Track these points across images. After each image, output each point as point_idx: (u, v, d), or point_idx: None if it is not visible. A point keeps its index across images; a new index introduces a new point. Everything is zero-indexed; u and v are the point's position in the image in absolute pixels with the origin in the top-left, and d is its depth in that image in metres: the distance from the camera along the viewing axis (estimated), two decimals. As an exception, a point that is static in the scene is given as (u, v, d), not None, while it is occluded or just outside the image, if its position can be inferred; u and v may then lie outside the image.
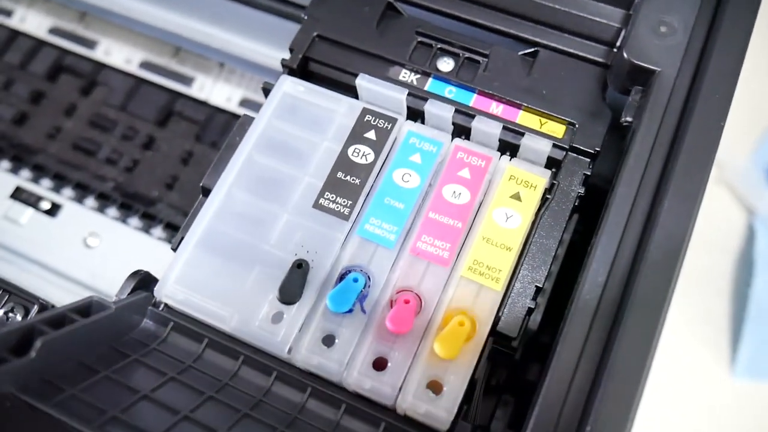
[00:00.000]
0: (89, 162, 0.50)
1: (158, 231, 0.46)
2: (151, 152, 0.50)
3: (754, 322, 0.77)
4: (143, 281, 0.32)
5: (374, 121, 0.33)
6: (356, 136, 0.33)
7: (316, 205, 0.32)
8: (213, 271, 0.31)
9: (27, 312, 0.29)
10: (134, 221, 0.46)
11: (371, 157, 0.33)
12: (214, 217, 0.32)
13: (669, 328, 0.27)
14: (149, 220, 0.46)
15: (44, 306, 0.29)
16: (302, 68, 0.37)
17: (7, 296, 0.29)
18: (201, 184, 0.34)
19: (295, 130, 0.34)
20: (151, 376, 0.28)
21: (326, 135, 0.33)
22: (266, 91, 0.36)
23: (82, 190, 0.47)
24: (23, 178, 0.48)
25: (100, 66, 0.53)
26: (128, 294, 0.31)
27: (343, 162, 0.33)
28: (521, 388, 0.36)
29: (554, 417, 0.26)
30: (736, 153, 0.85)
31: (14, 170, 0.48)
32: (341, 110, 0.34)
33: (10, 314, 0.29)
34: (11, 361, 0.24)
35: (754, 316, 0.77)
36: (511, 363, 0.36)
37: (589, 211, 0.35)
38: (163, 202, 0.48)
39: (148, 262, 0.33)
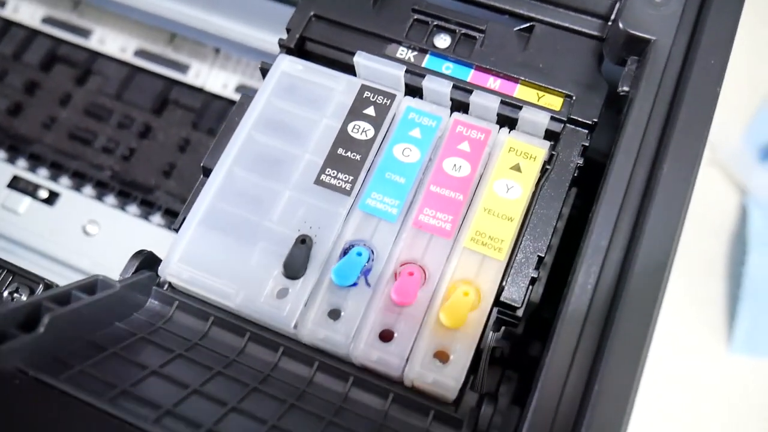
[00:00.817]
0: (86, 151, 0.49)
1: (157, 218, 0.46)
2: (148, 140, 0.50)
3: (749, 299, 0.78)
4: (147, 261, 0.32)
5: (373, 98, 0.33)
6: (356, 112, 0.33)
7: (318, 182, 0.32)
8: (216, 249, 0.31)
9: (32, 292, 0.29)
10: (133, 208, 0.46)
11: (371, 133, 0.33)
12: (216, 196, 0.32)
13: (665, 307, 0.27)
14: (148, 207, 0.46)
15: (49, 286, 0.29)
16: (299, 48, 0.37)
17: (11, 277, 0.29)
18: (201, 165, 0.34)
19: (294, 108, 0.34)
20: (159, 354, 0.28)
21: (325, 112, 0.34)
22: (264, 70, 0.36)
23: (79, 179, 0.47)
24: (20, 168, 0.48)
25: (95, 55, 0.53)
26: (132, 274, 0.31)
27: (343, 138, 0.33)
28: (524, 364, 0.37)
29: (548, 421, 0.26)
30: (728, 134, 0.85)
31: (10, 160, 0.48)
32: (339, 88, 0.34)
33: (15, 294, 0.29)
34: (19, 337, 0.24)
35: (749, 294, 0.78)
36: (514, 337, 0.36)
37: (585, 186, 0.35)
38: (161, 190, 0.48)
39: (149, 247, 0.33)
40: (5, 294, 0.29)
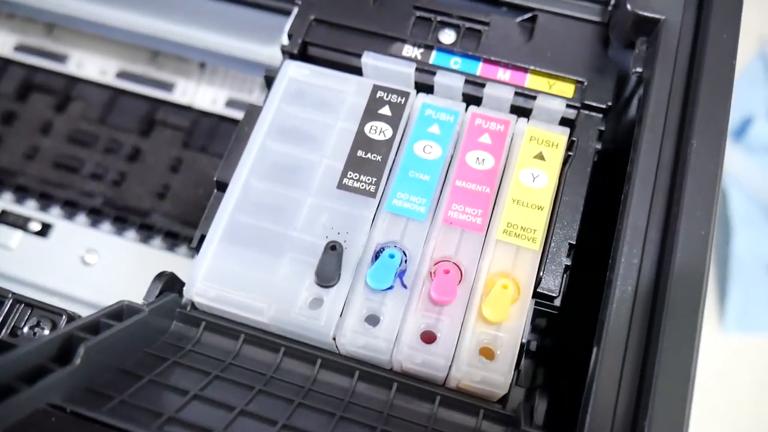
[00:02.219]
0: (74, 179, 0.48)
1: (158, 241, 0.44)
2: (138, 163, 0.48)
3: (738, 277, 0.80)
4: (169, 283, 0.31)
5: (387, 97, 0.33)
6: (371, 113, 0.32)
7: (341, 186, 0.31)
8: (242, 263, 0.30)
9: (54, 325, 0.27)
10: (131, 234, 0.45)
11: (389, 133, 0.32)
12: (235, 210, 0.31)
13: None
14: (147, 230, 0.45)
15: (72, 317, 0.28)
16: (302, 53, 0.36)
17: (30, 311, 0.27)
18: (215, 179, 0.33)
19: (305, 113, 0.33)
20: (195, 377, 0.27)
21: (339, 115, 0.33)
22: (269, 79, 0.35)
23: (71, 208, 0.45)
24: (6, 201, 0.46)
25: (74, 80, 0.51)
26: (156, 297, 0.30)
27: (361, 140, 0.32)
28: (551, 354, 0.36)
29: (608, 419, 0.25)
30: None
31: (-5, 194, 0.46)
32: (350, 89, 0.33)
33: (37, 329, 0.27)
34: (56, 371, 0.22)
35: (738, 272, 0.80)
36: (540, 329, 0.36)
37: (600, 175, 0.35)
38: (157, 213, 0.46)
39: (153, 271, 0.31)
40: (26, 329, 0.27)
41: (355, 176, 0.31)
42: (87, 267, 0.43)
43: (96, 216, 0.45)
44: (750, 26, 0.92)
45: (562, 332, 0.37)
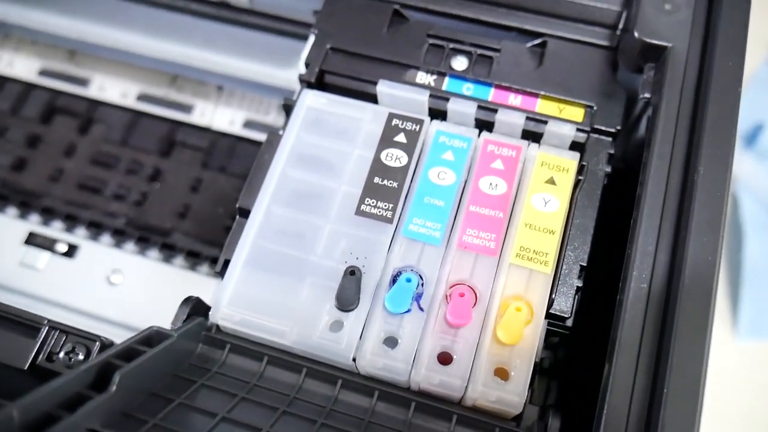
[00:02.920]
0: (97, 200, 0.49)
1: (179, 260, 0.46)
2: (159, 184, 0.50)
3: (751, 284, 0.80)
4: (195, 307, 0.32)
5: (402, 125, 0.34)
6: (387, 140, 0.34)
7: (358, 212, 0.32)
8: (265, 288, 0.31)
9: (89, 351, 0.29)
10: (154, 253, 0.46)
11: (405, 160, 0.33)
12: (258, 236, 0.32)
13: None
14: (169, 250, 0.46)
15: (105, 343, 0.29)
16: (319, 81, 0.37)
17: (65, 337, 0.29)
18: (237, 205, 0.34)
19: (324, 141, 0.34)
20: (221, 399, 0.28)
21: (356, 143, 0.34)
22: (287, 107, 0.36)
23: (95, 228, 0.47)
24: (33, 223, 0.47)
25: (96, 103, 0.52)
26: (183, 321, 0.31)
27: (378, 167, 0.33)
28: (562, 372, 0.37)
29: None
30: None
31: (23, 216, 0.48)
32: (367, 117, 0.35)
33: (72, 354, 0.28)
34: (94, 398, 0.24)
35: (750, 279, 0.80)
36: (552, 346, 0.37)
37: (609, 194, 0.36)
38: (178, 232, 0.48)
39: (176, 291, 0.33)
40: (61, 355, 0.28)
41: (373, 202, 0.32)
42: (112, 287, 0.44)
43: (120, 236, 0.46)
44: (759, 33, 0.92)
45: (574, 348, 0.38)
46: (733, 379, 0.79)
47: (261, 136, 0.49)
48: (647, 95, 0.33)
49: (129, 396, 0.26)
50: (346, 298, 0.30)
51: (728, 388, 0.79)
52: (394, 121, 0.34)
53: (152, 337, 0.28)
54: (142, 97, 0.52)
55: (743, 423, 0.76)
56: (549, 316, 0.31)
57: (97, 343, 0.28)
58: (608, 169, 0.34)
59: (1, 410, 0.20)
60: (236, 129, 0.51)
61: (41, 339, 0.29)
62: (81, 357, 0.28)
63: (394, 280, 0.31)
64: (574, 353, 0.38)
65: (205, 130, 0.51)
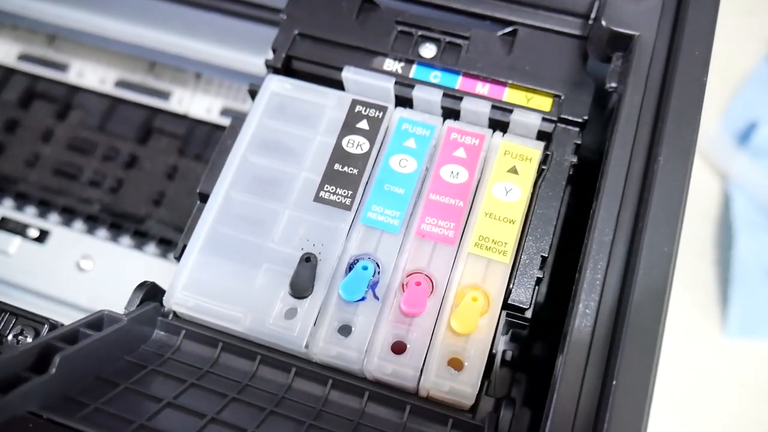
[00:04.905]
0: (72, 186, 0.49)
1: (151, 248, 0.46)
2: (135, 170, 0.50)
3: (740, 282, 0.79)
4: (150, 292, 0.32)
5: (365, 111, 0.34)
6: (349, 127, 0.33)
7: (317, 199, 0.32)
8: (220, 274, 0.31)
9: (37, 333, 0.28)
10: (126, 240, 0.46)
11: (366, 147, 0.33)
12: (216, 221, 0.32)
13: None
14: (141, 237, 0.46)
15: (54, 325, 0.29)
16: (286, 67, 0.37)
17: (14, 319, 0.28)
18: (198, 190, 0.33)
19: (286, 127, 0.34)
20: (171, 384, 0.28)
21: (318, 129, 0.34)
22: (252, 92, 0.36)
23: (69, 215, 0.47)
24: (7, 208, 0.47)
25: (74, 89, 0.52)
26: (137, 306, 0.31)
27: (338, 154, 0.33)
28: (530, 364, 0.37)
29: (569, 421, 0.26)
30: (706, 120, 0.87)
31: (-3, 201, 0.48)
32: (330, 104, 0.34)
33: (20, 336, 0.28)
34: (32, 380, 0.23)
35: (740, 277, 0.79)
36: (520, 339, 0.36)
37: (576, 183, 0.35)
38: (152, 219, 0.47)
39: (145, 277, 0.32)
40: (10, 337, 0.28)
41: (332, 189, 0.32)
42: (82, 273, 0.44)
43: (92, 222, 0.46)
44: (756, 30, 0.91)
45: (543, 342, 0.38)
46: (722, 377, 0.78)
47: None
48: (614, 84, 0.32)
49: (72, 379, 0.26)
50: (301, 285, 0.30)
51: (717, 387, 0.78)
52: (357, 108, 0.34)
53: (102, 321, 0.28)
54: (120, 84, 0.52)
55: (732, 421, 0.76)
56: (508, 306, 0.30)
57: (46, 325, 0.28)
58: (574, 160, 0.33)
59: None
60: (213, 117, 0.50)
61: (-10, 321, 0.28)
62: (29, 340, 0.28)
63: (350, 268, 0.30)
64: (543, 347, 0.38)
65: (182, 118, 0.51)
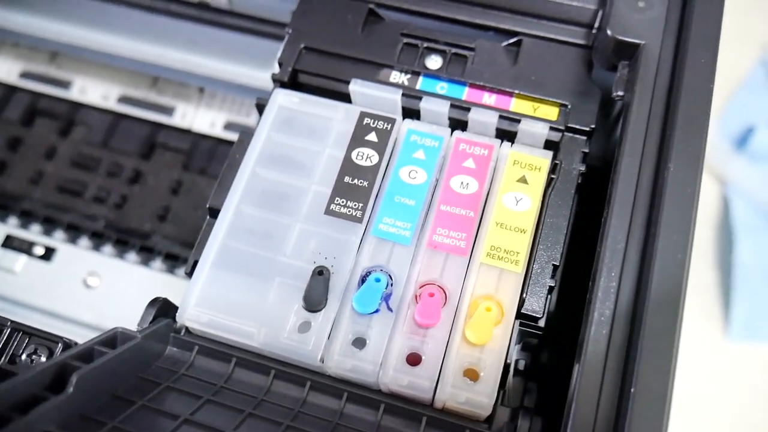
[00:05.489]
0: (77, 203, 0.49)
1: (158, 263, 0.46)
2: (139, 186, 0.50)
3: (741, 286, 0.79)
4: (162, 308, 0.31)
5: (373, 124, 0.34)
6: (358, 139, 0.33)
7: (328, 212, 0.32)
8: (233, 289, 0.31)
9: (51, 352, 0.28)
10: (132, 256, 0.46)
11: (375, 159, 0.33)
12: (227, 236, 0.32)
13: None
14: (147, 253, 0.46)
15: (68, 344, 0.28)
16: (293, 81, 0.37)
17: (27, 339, 0.28)
18: (207, 205, 0.33)
19: (294, 141, 0.34)
20: (186, 401, 0.28)
21: (327, 142, 0.34)
22: (260, 107, 0.36)
23: (74, 231, 0.47)
24: (12, 226, 0.47)
25: (77, 105, 0.52)
26: (150, 323, 0.31)
27: (348, 166, 0.33)
28: (542, 374, 0.37)
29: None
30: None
31: (1, 218, 0.47)
32: (338, 117, 0.34)
33: (34, 356, 0.28)
34: (50, 399, 0.23)
35: (741, 281, 0.80)
36: (531, 348, 0.36)
37: (581, 193, 0.36)
38: (157, 235, 0.47)
39: (153, 294, 0.32)
40: (23, 357, 0.28)
41: (342, 202, 0.32)
42: (89, 290, 0.44)
43: (98, 239, 0.46)
44: (752, 35, 0.92)
45: (553, 351, 0.38)
46: (725, 380, 0.78)
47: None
48: (621, 93, 0.33)
49: (88, 398, 0.25)
50: (314, 299, 0.30)
51: (720, 390, 0.78)
52: (366, 120, 0.34)
53: (116, 339, 0.28)
54: (123, 99, 0.52)
55: (734, 424, 0.76)
56: (521, 316, 0.30)
57: (60, 344, 0.28)
58: (582, 168, 0.33)
59: (-54, 411, 0.20)
60: (217, 131, 0.51)
61: (3, 340, 0.28)
62: (43, 359, 0.28)
63: (363, 280, 0.30)
64: (554, 355, 0.38)
65: (186, 132, 0.51)
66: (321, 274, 0.30)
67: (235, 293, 0.31)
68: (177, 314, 0.31)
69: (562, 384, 0.32)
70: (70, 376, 0.24)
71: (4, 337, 0.28)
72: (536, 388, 0.37)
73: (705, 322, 0.81)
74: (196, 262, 0.32)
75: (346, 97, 0.36)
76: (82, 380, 0.24)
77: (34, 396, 0.23)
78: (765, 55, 0.89)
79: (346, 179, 0.32)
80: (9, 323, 0.29)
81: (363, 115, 0.34)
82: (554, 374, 0.36)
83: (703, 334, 0.81)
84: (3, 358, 0.28)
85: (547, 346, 0.38)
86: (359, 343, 0.29)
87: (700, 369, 0.79)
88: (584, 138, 0.34)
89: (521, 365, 0.35)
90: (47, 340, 0.28)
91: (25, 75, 0.53)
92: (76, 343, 0.29)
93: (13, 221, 0.47)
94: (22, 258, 0.45)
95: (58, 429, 0.24)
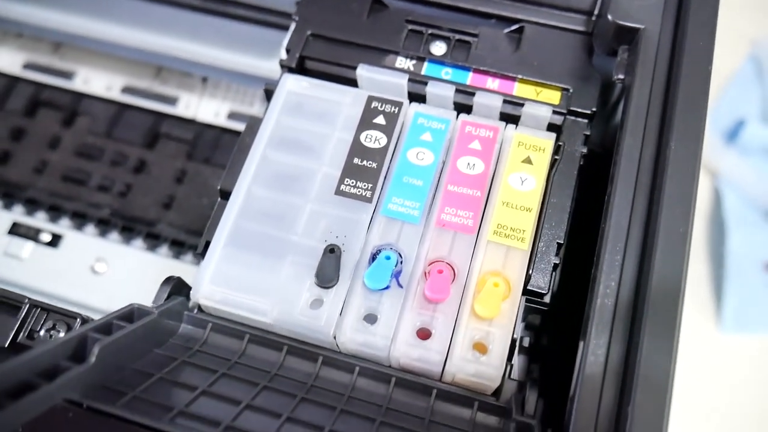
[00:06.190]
0: (81, 191, 0.49)
1: (164, 250, 0.46)
2: (144, 175, 0.50)
3: (733, 278, 0.81)
4: (176, 287, 0.32)
5: (381, 107, 0.34)
6: (366, 122, 0.34)
7: (338, 192, 0.32)
8: (246, 267, 0.31)
9: (69, 328, 0.29)
10: (138, 243, 0.46)
11: (384, 141, 0.34)
12: (239, 217, 0.32)
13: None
14: (153, 239, 0.46)
15: (85, 320, 0.29)
16: (300, 67, 0.37)
17: (45, 315, 0.29)
18: (219, 188, 0.34)
19: (304, 124, 0.35)
20: (203, 375, 0.29)
21: (335, 125, 0.34)
22: (268, 92, 0.37)
23: (80, 219, 0.47)
24: (17, 213, 0.47)
25: (80, 96, 0.53)
26: (164, 300, 0.31)
27: (357, 148, 0.33)
28: (543, 353, 0.38)
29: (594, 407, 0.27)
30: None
31: (7, 206, 0.48)
32: (346, 101, 0.35)
33: (53, 331, 0.29)
34: (72, 369, 0.24)
35: (733, 273, 0.81)
36: (534, 327, 0.37)
37: (583, 177, 0.37)
38: (162, 222, 0.48)
39: (161, 278, 0.33)
40: (42, 332, 0.29)
41: (352, 183, 0.33)
42: (97, 275, 0.44)
43: (104, 226, 0.47)
44: (742, 30, 0.94)
45: (555, 329, 0.39)
46: (716, 371, 0.79)
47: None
48: (621, 76, 0.34)
49: (109, 369, 0.26)
50: (326, 276, 0.30)
51: (711, 381, 0.79)
52: (374, 104, 0.34)
53: (133, 314, 0.29)
54: (127, 90, 0.53)
55: (725, 415, 0.77)
56: (527, 292, 0.31)
57: (78, 320, 0.29)
58: (584, 150, 0.34)
59: (-22, 375, 0.20)
60: (221, 121, 0.51)
61: (22, 317, 0.29)
62: (62, 334, 0.29)
63: (373, 258, 0.31)
64: (556, 332, 0.39)
65: (189, 122, 0.51)
66: (332, 251, 0.31)
67: (248, 271, 0.31)
68: (191, 292, 0.31)
69: (565, 359, 0.33)
70: (92, 347, 0.25)
71: (22, 314, 0.29)
72: (538, 369, 0.38)
73: (697, 314, 0.83)
74: (208, 243, 0.32)
75: (352, 83, 0.37)
76: (103, 351, 0.25)
77: (58, 365, 0.24)
78: (754, 50, 0.91)
79: (356, 161, 0.33)
80: (27, 300, 0.29)
81: (371, 99, 0.35)
82: (557, 350, 0.37)
83: (695, 325, 0.82)
84: (21, 334, 0.29)
85: (549, 327, 0.38)
86: (370, 318, 0.30)
87: (693, 361, 0.80)
88: (585, 121, 0.35)
89: (526, 342, 0.35)
90: (65, 316, 0.29)
91: (28, 66, 0.54)
92: (92, 320, 0.30)
93: (18, 209, 0.48)
94: (29, 244, 0.46)
95: (80, 397, 0.24)
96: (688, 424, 0.78)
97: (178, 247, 0.46)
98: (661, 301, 0.27)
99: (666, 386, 0.26)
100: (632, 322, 0.27)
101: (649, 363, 0.26)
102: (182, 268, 0.44)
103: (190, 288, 0.32)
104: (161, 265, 0.45)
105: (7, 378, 0.21)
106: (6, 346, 0.28)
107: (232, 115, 0.51)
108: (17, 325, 0.29)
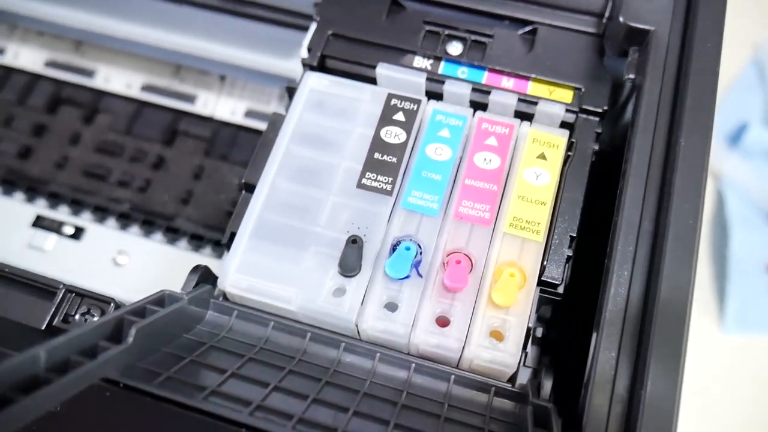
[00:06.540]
0: (102, 187, 0.50)
1: (183, 243, 0.47)
2: (162, 171, 0.51)
3: (735, 279, 0.82)
4: (203, 276, 0.33)
5: (400, 104, 0.36)
6: (386, 119, 0.35)
7: (360, 185, 0.34)
8: (271, 257, 0.33)
9: (103, 312, 0.30)
10: (158, 236, 0.47)
11: (403, 137, 0.35)
12: (263, 209, 0.34)
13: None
14: (173, 233, 0.47)
15: (118, 305, 0.30)
16: (321, 65, 0.39)
17: (80, 300, 0.30)
18: (243, 181, 0.35)
19: (326, 121, 0.36)
20: (231, 359, 0.30)
21: (356, 122, 0.36)
22: (291, 90, 0.38)
23: (101, 213, 0.48)
24: (40, 207, 0.49)
25: (101, 93, 0.54)
26: (192, 287, 0.32)
27: (378, 144, 0.35)
28: (554, 344, 0.39)
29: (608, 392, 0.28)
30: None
31: (30, 200, 0.49)
32: (366, 98, 0.36)
33: (87, 315, 0.30)
34: (111, 348, 0.25)
35: (736, 274, 0.82)
36: (546, 320, 0.39)
37: (592, 175, 0.38)
38: (181, 217, 0.49)
39: (181, 270, 0.34)
40: (77, 316, 0.30)
41: (373, 176, 0.34)
42: (119, 267, 0.45)
43: (125, 220, 0.48)
44: (744, 34, 0.95)
45: (565, 321, 0.40)
46: (720, 372, 0.81)
47: (262, 126, 0.51)
48: (632, 76, 0.35)
49: (143, 351, 0.27)
50: (349, 265, 0.32)
51: (714, 381, 0.80)
52: (393, 101, 0.36)
53: (164, 299, 0.30)
54: (146, 88, 0.54)
55: (729, 415, 0.78)
56: (541, 283, 0.32)
57: (112, 304, 0.30)
58: (596, 147, 0.36)
59: (30, 351, 0.22)
60: (238, 119, 0.52)
61: (58, 301, 0.30)
62: (96, 318, 0.30)
63: (394, 249, 0.32)
64: (566, 324, 0.40)
65: (207, 120, 0.53)
66: (354, 242, 0.32)
67: (272, 261, 0.32)
68: (218, 281, 0.32)
69: (576, 349, 0.34)
70: (129, 329, 0.26)
71: (58, 298, 0.30)
72: (549, 360, 0.39)
73: (701, 316, 0.84)
74: (233, 234, 0.34)
75: (371, 81, 0.38)
76: (139, 333, 0.26)
77: (97, 345, 0.25)
78: (757, 54, 0.92)
79: (376, 155, 0.34)
80: (62, 285, 0.30)
81: (390, 96, 0.36)
82: (568, 341, 0.38)
83: (698, 327, 0.83)
84: (57, 318, 0.30)
85: (562, 316, 0.40)
86: (391, 306, 0.31)
87: (696, 362, 0.81)
88: (597, 119, 0.36)
89: (539, 332, 0.37)
90: (99, 300, 0.30)
91: (49, 64, 0.55)
92: (125, 304, 0.31)
93: (41, 203, 0.49)
94: (53, 237, 0.47)
95: (120, 376, 0.25)
96: (689, 424, 0.79)
97: (197, 241, 0.47)
98: (673, 290, 0.28)
99: (677, 372, 0.27)
100: (644, 310, 0.29)
101: (661, 350, 0.27)
102: (202, 261, 0.45)
103: (215, 277, 0.33)
104: (181, 257, 0.46)
105: (55, 354, 0.23)
106: (43, 329, 0.30)
107: (249, 113, 0.52)
108: (53, 309, 0.30)
